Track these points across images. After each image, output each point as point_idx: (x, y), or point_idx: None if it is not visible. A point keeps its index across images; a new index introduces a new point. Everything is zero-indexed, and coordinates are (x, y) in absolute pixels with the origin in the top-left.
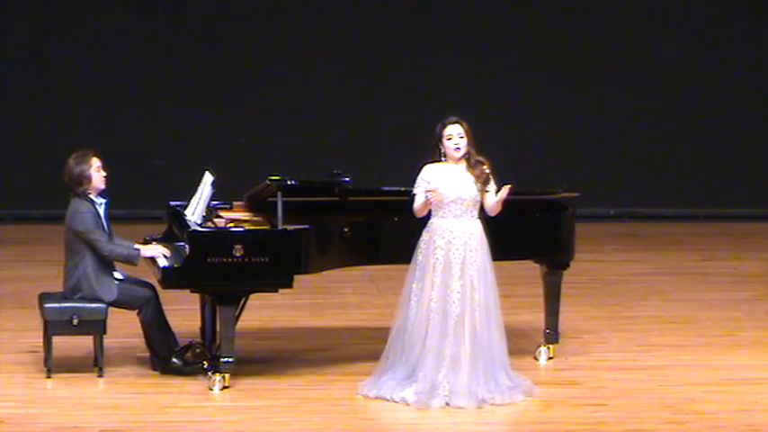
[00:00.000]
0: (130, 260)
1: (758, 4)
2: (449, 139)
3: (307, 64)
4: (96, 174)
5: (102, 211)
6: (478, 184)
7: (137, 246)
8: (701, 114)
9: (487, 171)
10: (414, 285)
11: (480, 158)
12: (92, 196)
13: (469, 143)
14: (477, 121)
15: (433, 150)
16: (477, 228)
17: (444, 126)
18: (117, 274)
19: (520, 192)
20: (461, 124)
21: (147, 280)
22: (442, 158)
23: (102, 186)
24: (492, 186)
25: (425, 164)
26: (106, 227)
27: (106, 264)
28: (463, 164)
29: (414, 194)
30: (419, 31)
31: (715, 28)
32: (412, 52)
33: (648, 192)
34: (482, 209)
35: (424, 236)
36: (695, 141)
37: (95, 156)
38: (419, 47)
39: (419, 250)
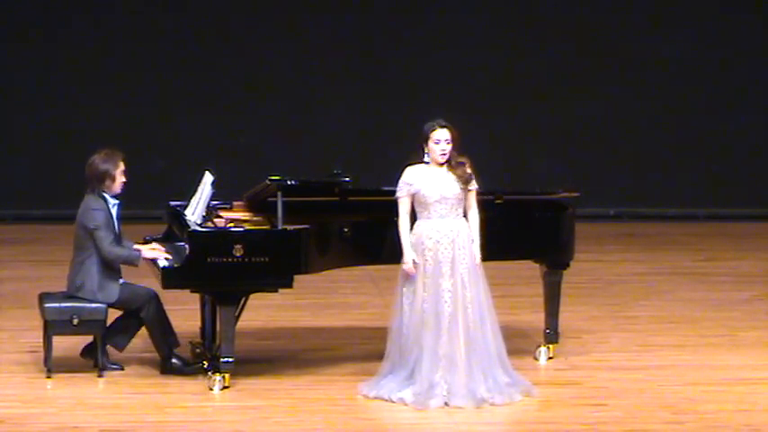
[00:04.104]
0: (131, 261)
1: (758, 5)
2: (436, 143)
3: (307, 64)
4: (119, 177)
5: (114, 211)
6: (460, 183)
7: (137, 247)
8: (702, 114)
9: (469, 171)
10: (405, 288)
11: (462, 159)
12: (107, 195)
13: (454, 147)
14: (478, 120)
15: (417, 150)
16: (464, 226)
17: (433, 128)
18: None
19: (520, 192)
20: (450, 130)
21: (147, 285)
22: (425, 158)
23: (119, 191)
24: (473, 186)
25: (406, 165)
26: (117, 227)
27: (112, 265)
28: (444, 165)
29: (398, 198)
30: (420, 32)
31: (715, 28)
32: (412, 52)
33: (648, 192)
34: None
35: (411, 238)
36: (696, 141)
37: (123, 159)
38: (419, 47)
39: None
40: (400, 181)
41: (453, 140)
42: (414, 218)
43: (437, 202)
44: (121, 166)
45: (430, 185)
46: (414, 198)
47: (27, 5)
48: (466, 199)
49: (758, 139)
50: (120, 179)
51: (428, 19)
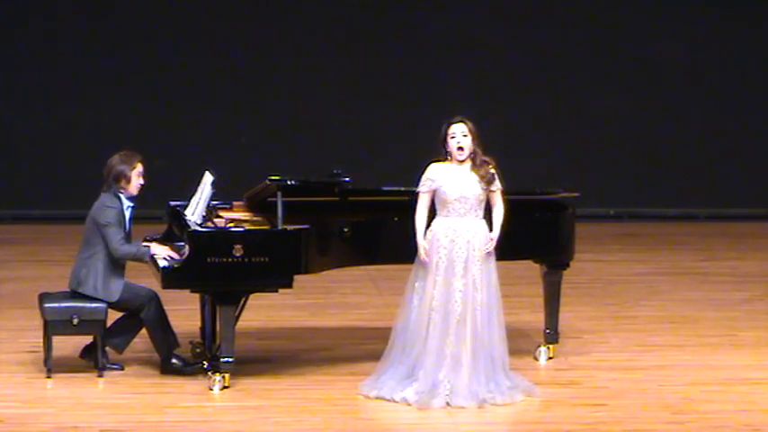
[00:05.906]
0: (140, 257)
1: (758, 5)
2: (452, 137)
3: (307, 64)
4: (135, 179)
5: (128, 213)
6: (482, 183)
7: (146, 243)
8: (701, 114)
9: (492, 171)
10: (416, 284)
11: (486, 158)
12: (122, 196)
13: (475, 143)
14: (478, 121)
15: (438, 149)
16: (482, 227)
17: (449, 125)
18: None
19: (520, 192)
20: (466, 123)
21: (147, 285)
22: (448, 157)
23: (136, 193)
24: (497, 186)
25: (431, 162)
26: (128, 228)
27: (118, 264)
28: (468, 163)
29: (417, 193)
30: (420, 32)
31: (716, 28)
32: (413, 52)
33: (648, 192)
34: (488, 209)
35: (428, 234)
36: (695, 142)
37: (141, 161)
38: (420, 47)
39: None
40: (423, 176)
41: (471, 134)
42: (433, 215)
43: (456, 201)
44: (138, 168)
45: (451, 183)
46: (434, 195)
47: (27, 5)
48: (490, 198)
49: (758, 139)
50: (137, 181)
51: (428, 18)
